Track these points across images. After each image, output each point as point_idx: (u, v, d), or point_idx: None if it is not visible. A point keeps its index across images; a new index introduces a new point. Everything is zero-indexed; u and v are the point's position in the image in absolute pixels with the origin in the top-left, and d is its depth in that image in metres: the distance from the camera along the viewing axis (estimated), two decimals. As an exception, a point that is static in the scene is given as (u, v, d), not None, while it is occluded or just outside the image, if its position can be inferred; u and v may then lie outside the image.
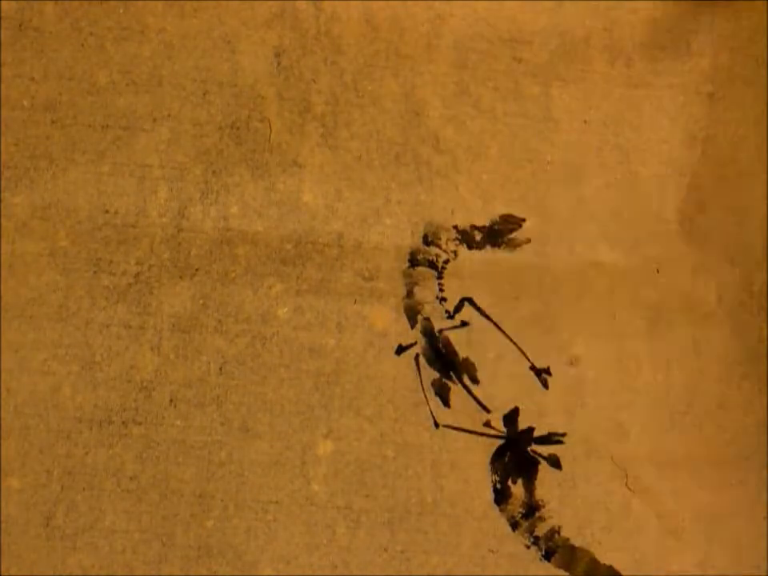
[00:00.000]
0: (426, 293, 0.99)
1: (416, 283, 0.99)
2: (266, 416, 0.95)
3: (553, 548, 0.93)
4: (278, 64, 1.05)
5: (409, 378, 0.97)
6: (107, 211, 1.00)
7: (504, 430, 0.96)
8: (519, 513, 0.94)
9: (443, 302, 0.99)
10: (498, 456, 0.95)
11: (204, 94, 1.04)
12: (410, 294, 0.99)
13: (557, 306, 0.99)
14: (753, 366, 0.99)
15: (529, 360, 0.98)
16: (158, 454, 0.94)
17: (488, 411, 0.96)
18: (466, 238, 1.01)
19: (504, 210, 1.02)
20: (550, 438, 0.96)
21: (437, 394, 0.97)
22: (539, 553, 0.93)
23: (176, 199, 1.01)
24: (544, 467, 0.95)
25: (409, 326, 0.98)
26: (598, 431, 0.97)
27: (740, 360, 0.99)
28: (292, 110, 1.04)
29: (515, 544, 0.93)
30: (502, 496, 0.94)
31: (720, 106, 1.05)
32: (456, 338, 0.98)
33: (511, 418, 0.96)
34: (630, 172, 1.04)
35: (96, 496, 0.92)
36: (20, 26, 1.04)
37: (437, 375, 0.97)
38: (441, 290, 0.99)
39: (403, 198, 1.02)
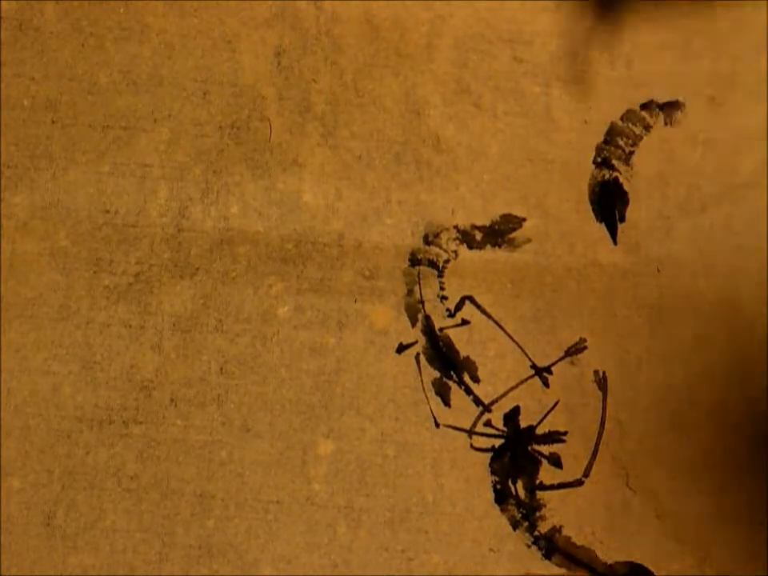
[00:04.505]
0: (426, 291, 0.99)
1: (416, 282, 0.99)
2: (266, 415, 0.95)
3: (553, 547, 0.93)
4: (278, 64, 1.05)
5: (409, 376, 0.97)
6: (107, 211, 1.00)
7: (505, 429, 0.96)
8: (520, 512, 0.94)
9: (444, 301, 0.99)
10: (498, 455, 0.95)
11: (204, 94, 1.04)
12: (410, 292, 0.99)
13: (557, 305, 0.99)
14: (753, 366, 0.99)
15: (530, 359, 0.98)
16: (158, 453, 0.94)
17: (489, 410, 0.96)
18: (466, 237, 1.01)
19: (504, 210, 1.02)
20: (550, 437, 0.96)
21: (437, 393, 0.97)
22: (540, 552, 0.93)
23: (176, 199, 1.01)
24: (545, 466, 0.95)
25: (409, 325, 0.98)
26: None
27: (740, 360, 0.99)
28: (292, 110, 1.04)
29: (516, 543, 0.93)
30: (502, 495, 0.94)
31: (720, 111, 1.06)
32: (457, 337, 0.98)
33: (512, 416, 0.96)
34: (630, 172, 1.04)
35: (97, 495, 0.92)
36: (20, 26, 1.05)
37: (437, 374, 0.97)
38: (442, 289, 0.99)
39: (404, 198, 1.02)
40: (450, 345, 0.98)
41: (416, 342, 0.98)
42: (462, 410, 0.97)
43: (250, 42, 1.06)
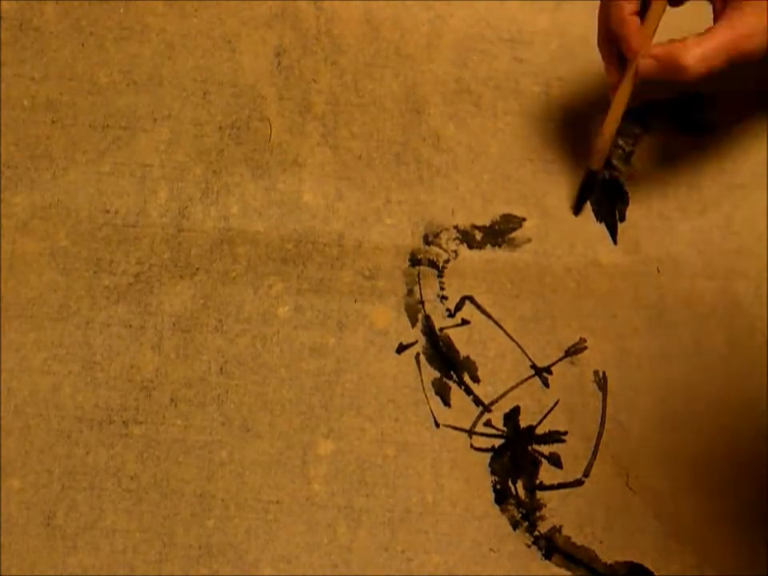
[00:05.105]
0: (426, 291, 0.99)
1: (417, 282, 0.99)
2: (266, 415, 0.95)
3: (553, 547, 0.93)
4: (279, 64, 1.05)
5: (410, 376, 0.97)
6: (107, 211, 1.00)
7: (505, 429, 0.96)
8: (520, 512, 0.94)
9: (444, 301, 0.99)
10: (498, 455, 0.95)
11: (204, 94, 1.04)
12: (410, 292, 0.99)
13: (557, 305, 0.99)
14: (753, 366, 0.99)
15: (530, 359, 0.98)
16: (158, 453, 0.94)
17: (489, 410, 0.96)
18: (466, 237, 1.01)
19: (504, 210, 1.02)
20: (551, 437, 0.96)
21: (437, 393, 0.97)
22: (540, 552, 0.93)
23: (176, 199, 1.01)
24: (545, 466, 0.95)
25: (409, 325, 0.98)
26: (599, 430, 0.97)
27: (740, 360, 0.99)
28: (292, 110, 1.04)
29: (516, 543, 0.93)
30: (502, 495, 0.94)
31: (721, 113, 1.06)
32: (457, 337, 0.98)
33: (512, 416, 0.96)
34: (630, 172, 1.04)
35: (97, 495, 0.92)
36: (20, 25, 1.05)
37: (437, 374, 0.97)
38: (442, 289, 0.99)
39: (404, 198, 1.02)
40: (450, 345, 0.98)
41: (416, 342, 0.98)
42: (462, 409, 0.97)
43: (250, 42, 1.06)
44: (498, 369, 0.97)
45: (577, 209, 1.02)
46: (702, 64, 0.85)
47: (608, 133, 0.96)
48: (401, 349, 0.97)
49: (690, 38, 0.86)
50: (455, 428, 0.96)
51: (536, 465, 0.95)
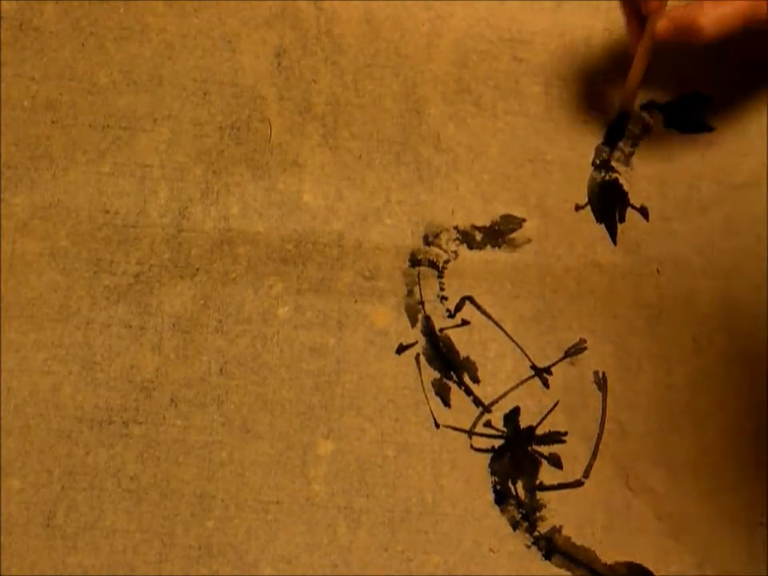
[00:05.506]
0: (426, 292, 0.99)
1: (417, 282, 0.99)
2: (266, 416, 0.95)
3: (553, 547, 0.93)
4: (279, 64, 1.05)
5: (410, 377, 0.97)
6: (107, 211, 1.00)
7: (505, 429, 0.96)
8: (520, 512, 0.94)
9: (444, 301, 0.99)
10: (498, 456, 0.95)
11: (204, 94, 1.04)
12: (410, 293, 0.99)
13: (557, 305, 0.99)
14: (753, 366, 0.99)
15: (529, 359, 0.98)
16: (158, 453, 0.94)
17: (489, 410, 0.96)
18: (466, 238, 1.01)
19: (504, 210, 1.02)
20: (551, 437, 0.96)
21: (437, 393, 0.97)
22: (540, 552, 0.93)
23: (176, 199, 1.01)
24: (545, 466, 0.95)
25: (409, 325, 0.98)
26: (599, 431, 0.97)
27: (740, 360, 0.99)
28: (292, 110, 1.04)
29: (516, 543, 0.93)
30: (502, 496, 0.94)
31: (721, 112, 1.06)
32: (457, 337, 0.98)
33: (512, 417, 0.96)
34: (630, 172, 1.04)
35: (97, 496, 0.92)
36: (20, 25, 1.05)
37: (437, 375, 0.97)
38: (442, 289, 0.99)
39: (404, 198, 1.02)
40: (450, 345, 0.98)
41: (416, 342, 0.98)
42: (462, 410, 0.97)
43: (250, 42, 1.06)
44: (498, 369, 0.97)
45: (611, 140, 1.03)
46: (716, 27, 0.87)
47: (632, 86, 0.99)
48: (401, 349, 0.97)
49: (707, 1, 0.88)
50: (455, 428, 0.96)
51: (536, 465, 0.95)
